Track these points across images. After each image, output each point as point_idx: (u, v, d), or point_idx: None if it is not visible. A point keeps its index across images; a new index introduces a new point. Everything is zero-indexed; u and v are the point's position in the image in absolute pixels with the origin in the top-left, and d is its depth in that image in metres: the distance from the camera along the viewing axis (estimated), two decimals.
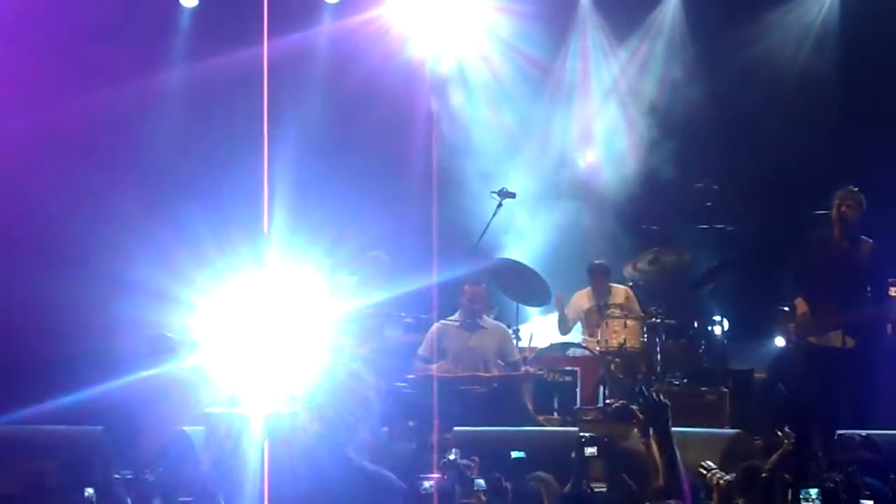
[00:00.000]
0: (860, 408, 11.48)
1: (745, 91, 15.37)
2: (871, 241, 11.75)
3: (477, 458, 8.99)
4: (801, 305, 11.69)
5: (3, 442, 10.86)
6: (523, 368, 12.54)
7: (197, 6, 15.70)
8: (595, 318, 13.62)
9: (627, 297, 13.84)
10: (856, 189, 11.71)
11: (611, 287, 13.98)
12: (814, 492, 7.60)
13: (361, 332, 13.16)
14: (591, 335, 13.60)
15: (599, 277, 14.02)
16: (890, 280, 12.03)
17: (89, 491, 8.88)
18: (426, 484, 8.39)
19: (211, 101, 15.16)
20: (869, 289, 11.68)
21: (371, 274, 12.98)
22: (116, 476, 10.26)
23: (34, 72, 14.40)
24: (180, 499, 9.10)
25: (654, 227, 14.03)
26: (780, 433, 8.71)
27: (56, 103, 14.27)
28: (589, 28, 16.18)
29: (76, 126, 14.52)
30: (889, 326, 12.03)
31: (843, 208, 11.63)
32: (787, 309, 11.87)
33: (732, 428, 11.59)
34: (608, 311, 13.42)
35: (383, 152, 15.60)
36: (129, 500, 9.05)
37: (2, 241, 14.10)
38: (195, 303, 12.57)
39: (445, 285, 12.39)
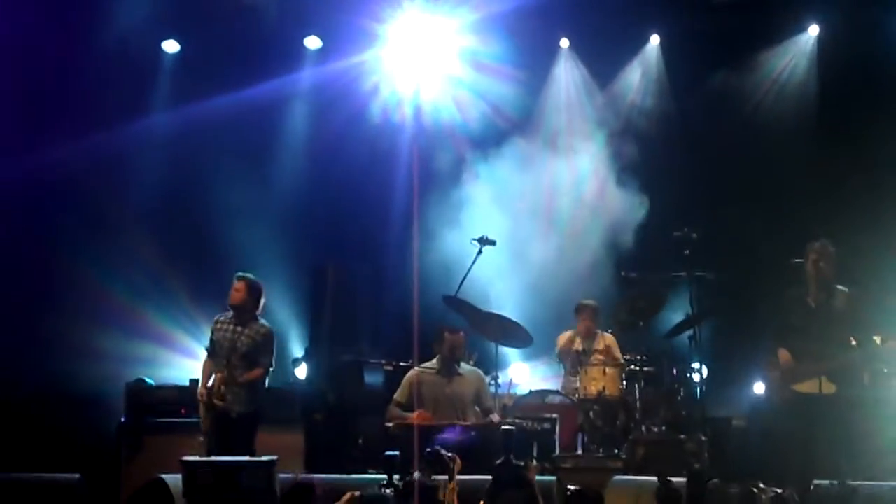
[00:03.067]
0: (839, 456, 11.48)
1: (725, 139, 15.49)
2: (846, 290, 11.78)
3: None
4: (784, 354, 11.71)
5: None
6: (493, 416, 12.48)
7: (179, 52, 15.75)
8: (578, 362, 13.51)
9: (613, 345, 13.79)
10: (826, 241, 11.75)
11: (597, 333, 13.93)
12: None
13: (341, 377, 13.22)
14: (571, 381, 13.54)
15: (587, 317, 13.94)
16: (872, 327, 12.06)
17: None
18: None
19: (193, 144, 15.20)
20: (852, 339, 11.72)
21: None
22: None
23: (17, 119, 14.46)
24: None
25: (632, 275, 14.05)
26: (755, 488, 8.74)
27: (39, 151, 14.33)
28: (569, 76, 16.28)
29: (59, 173, 14.58)
30: (866, 375, 12.05)
31: (818, 263, 11.68)
32: (767, 356, 11.90)
33: (710, 476, 11.56)
34: (591, 359, 13.38)
35: (363, 195, 15.64)
36: None
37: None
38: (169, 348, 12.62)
39: (422, 331, 12.39)
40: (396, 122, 15.66)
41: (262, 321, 12.07)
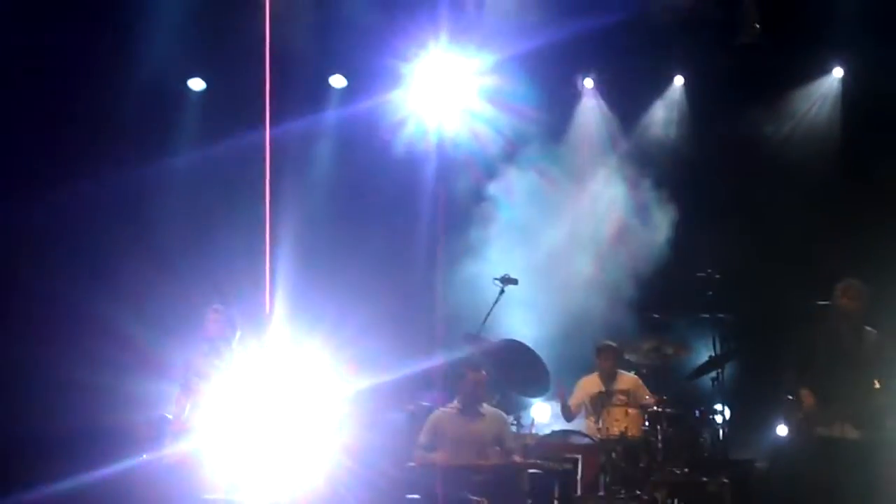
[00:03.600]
0: (863, 501, 11.44)
1: (749, 179, 15.49)
2: (874, 331, 11.76)
3: None
4: (808, 397, 11.67)
5: None
6: (515, 457, 12.45)
7: (205, 89, 15.86)
8: (600, 403, 13.49)
9: (636, 385, 13.77)
10: (856, 281, 11.74)
11: (618, 373, 13.93)
12: None
13: (363, 416, 13.18)
14: (594, 422, 13.52)
15: (608, 358, 13.94)
16: None
17: None
18: None
19: (218, 183, 15.27)
20: (877, 381, 11.68)
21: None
22: None
23: (42, 158, 14.55)
24: None
25: (655, 316, 14.05)
26: None
27: (65, 187, 14.40)
28: (592, 115, 16.33)
29: (85, 209, 14.64)
30: (891, 419, 11.99)
31: (844, 301, 11.67)
32: (791, 398, 11.85)
33: None
34: (613, 399, 13.35)
35: (388, 234, 15.69)
36: None
37: (6, 318, 14.16)
38: (197, 385, 12.60)
39: (444, 371, 12.38)
40: (420, 161, 15.70)
41: None
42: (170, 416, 12.49)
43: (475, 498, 9.27)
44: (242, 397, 11.95)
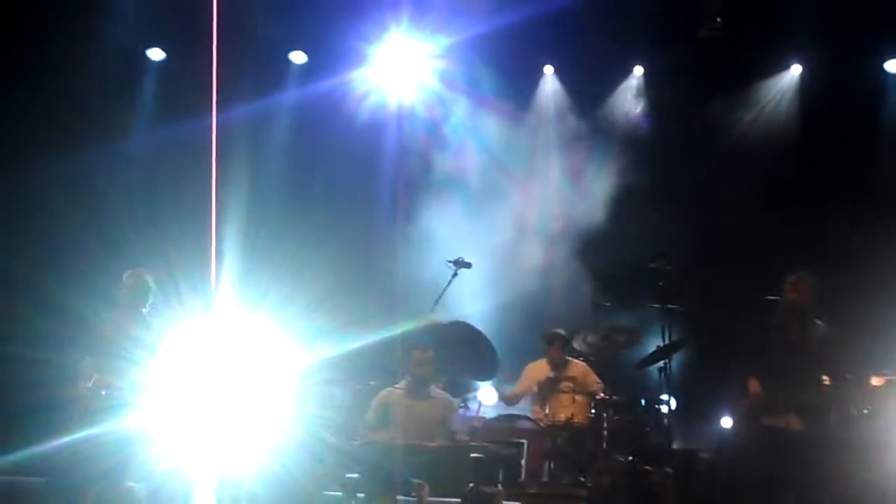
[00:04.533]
0: (805, 492, 11.54)
1: (705, 171, 15.57)
2: (824, 324, 11.87)
3: None
4: (755, 385, 11.73)
5: None
6: (458, 437, 12.46)
7: (164, 59, 15.81)
8: (547, 389, 13.55)
9: (584, 373, 13.81)
10: (807, 275, 11.84)
11: (567, 361, 13.97)
12: None
13: (310, 391, 13.18)
14: (541, 407, 13.57)
15: (556, 346, 13.95)
16: (846, 365, 12.12)
17: None
18: None
19: (170, 159, 15.21)
20: (825, 377, 11.78)
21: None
22: None
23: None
24: None
25: (606, 304, 14.11)
26: None
27: (16, 163, 14.34)
28: (551, 101, 16.38)
29: (36, 185, 14.57)
30: (835, 415, 12.11)
31: (794, 295, 11.76)
32: (738, 388, 11.94)
33: None
34: (560, 386, 13.40)
35: (342, 212, 15.68)
36: None
37: None
38: (143, 360, 12.55)
39: (392, 348, 12.39)
40: (375, 141, 15.71)
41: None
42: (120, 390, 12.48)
43: (416, 481, 9.29)
44: (190, 371, 11.93)
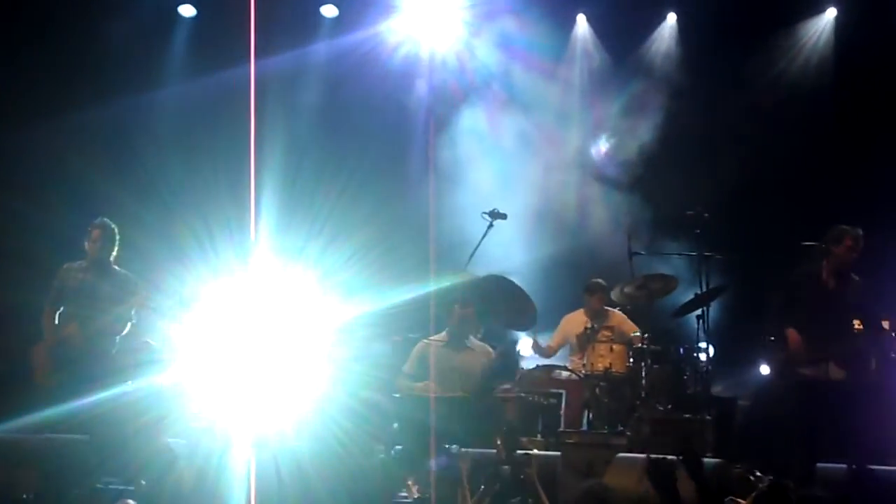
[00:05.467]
0: (845, 441, 11.49)
1: (740, 118, 15.44)
2: (857, 277, 11.78)
3: None
4: (793, 335, 11.66)
5: None
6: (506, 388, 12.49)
7: (196, 16, 15.78)
8: (585, 339, 13.53)
9: (622, 321, 13.80)
10: (850, 229, 11.71)
11: (606, 310, 13.94)
12: None
13: (351, 345, 13.20)
14: (579, 357, 13.56)
15: (597, 296, 13.94)
16: (881, 314, 12.02)
17: None
18: None
19: (203, 112, 15.21)
20: (858, 323, 11.67)
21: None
22: (100, 486, 10.32)
23: (27, 87, 14.50)
24: None
25: (642, 253, 14.04)
26: (752, 476, 8.75)
27: (49, 115, 14.35)
28: (584, 51, 16.28)
29: (71, 137, 14.59)
30: (874, 360, 12.02)
31: (843, 250, 11.61)
32: (773, 339, 11.87)
33: (714, 456, 11.59)
34: (598, 335, 13.38)
35: (379, 165, 15.65)
36: None
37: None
38: (182, 314, 12.57)
39: (430, 302, 12.36)
40: (409, 93, 15.67)
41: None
42: (155, 345, 12.51)
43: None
44: (229, 324, 11.95)
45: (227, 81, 14.21)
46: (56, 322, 11.82)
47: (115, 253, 12.02)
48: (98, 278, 11.89)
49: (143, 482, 10.50)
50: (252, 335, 11.48)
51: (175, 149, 15.31)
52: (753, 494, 8.52)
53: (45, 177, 14.60)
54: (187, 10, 15.90)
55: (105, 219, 12.04)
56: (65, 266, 12.03)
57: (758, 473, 9.13)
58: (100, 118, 14.77)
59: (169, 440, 11.11)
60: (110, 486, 10.54)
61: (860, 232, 11.65)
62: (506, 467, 9.91)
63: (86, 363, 11.58)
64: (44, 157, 14.62)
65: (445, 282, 12.82)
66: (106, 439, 10.92)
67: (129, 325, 11.98)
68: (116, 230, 12.01)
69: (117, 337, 11.89)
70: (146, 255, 13.61)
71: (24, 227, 13.84)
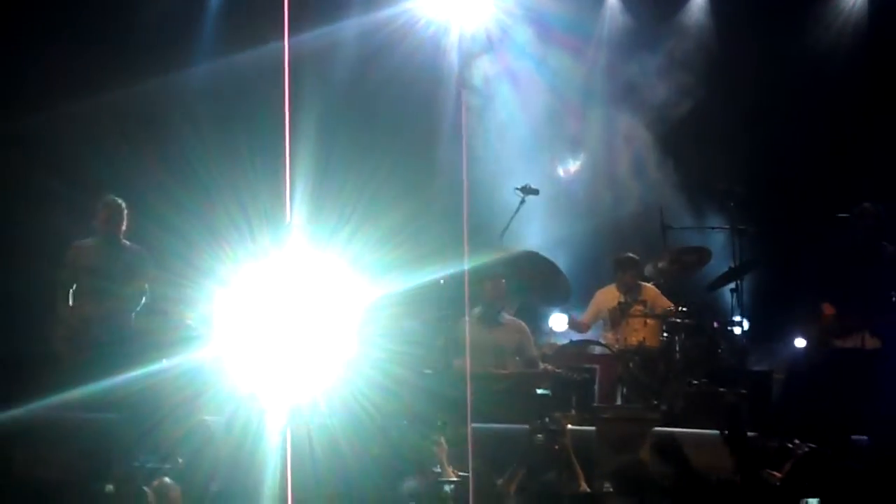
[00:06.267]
0: (882, 411, 11.45)
1: (770, 90, 15.37)
2: (892, 245, 11.74)
3: None
4: (828, 308, 11.65)
5: (28, 428, 10.90)
6: (542, 366, 12.54)
7: None
8: (618, 314, 13.51)
9: (655, 296, 13.74)
10: (870, 206, 11.67)
11: (639, 285, 13.88)
12: (814, 501, 7.66)
13: (383, 322, 13.22)
14: (612, 332, 13.54)
15: (628, 271, 13.82)
16: None
17: (109, 487, 8.90)
18: (446, 488, 8.47)
19: (235, 92, 15.23)
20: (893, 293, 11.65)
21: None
22: (137, 464, 10.37)
23: (60, 69, 14.56)
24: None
25: (674, 227, 14.02)
26: (791, 444, 8.75)
27: (83, 96, 14.40)
28: (614, 23, 16.22)
29: (102, 120, 14.64)
30: None
31: (868, 221, 11.59)
32: (809, 311, 11.86)
33: (750, 430, 11.56)
34: (631, 310, 13.35)
35: (410, 143, 15.64)
36: (148, 492, 9.08)
37: (23, 222, 14.19)
38: (217, 292, 12.61)
39: (463, 279, 12.36)
40: (440, 69, 15.66)
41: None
42: (191, 323, 12.56)
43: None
44: (263, 302, 11.99)
45: (256, 60, 14.26)
46: (70, 301, 11.96)
47: (123, 228, 12.14)
48: (109, 255, 12.03)
49: (180, 460, 10.53)
50: (286, 313, 11.51)
51: (209, 129, 15.33)
52: (791, 462, 8.49)
53: (81, 157, 14.65)
54: None
55: (112, 195, 12.17)
56: (75, 244, 12.19)
57: (796, 441, 9.10)
58: (133, 98, 14.81)
59: (205, 417, 11.16)
60: (147, 465, 10.57)
61: (868, 207, 11.62)
62: (539, 436, 9.88)
63: (104, 340, 11.72)
64: (80, 137, 14.67)
65: (479, 258, 12.84)
66: (142, 417, 10.98)
67: (143, 299, 12.11)
68: (124, 206, 12.15)
69: (132, 312, 12.04)
70: (184, 236, 13.69)
71: (60, 208, 13.89)
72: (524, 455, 9.58)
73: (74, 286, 12.07)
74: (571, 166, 16.03)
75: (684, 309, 13.13)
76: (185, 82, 15.45)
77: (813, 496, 7.73)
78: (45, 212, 14.10)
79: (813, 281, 11.90)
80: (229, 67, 15.20)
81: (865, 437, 11.01)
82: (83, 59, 14.77)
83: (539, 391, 10.78)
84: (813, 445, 9.49)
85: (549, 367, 12.53)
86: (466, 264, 11.55)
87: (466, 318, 12.48)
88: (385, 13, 15.48)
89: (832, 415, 11.36)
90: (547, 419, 10.40)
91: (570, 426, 11.49)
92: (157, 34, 15.19)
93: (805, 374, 12.49)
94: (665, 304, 13.56)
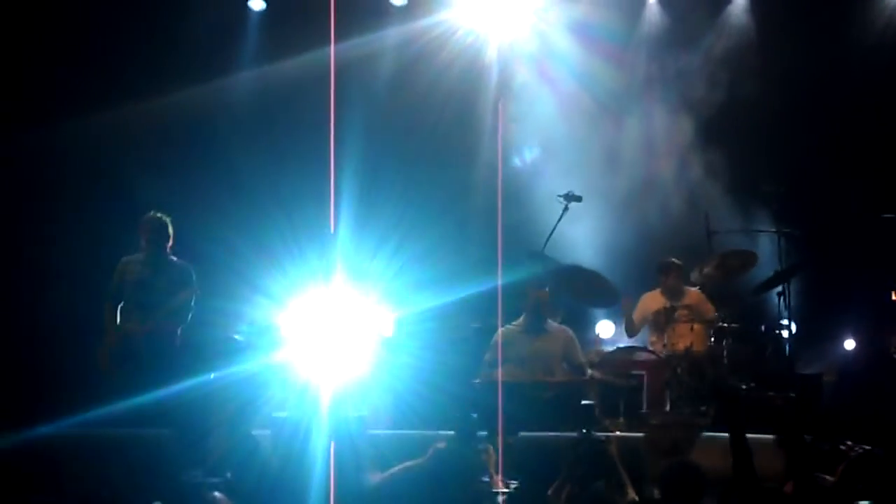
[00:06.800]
0: None
1: (815, 90, 15.26)
2: None
3: None
4: None
5: (76, 444, 10.94)
6: (589, 373, 12.50)
7: (265, 9, 15.86)
8: (664, 319, 13.47)
9: (700, 299, 13.69)
10: None
11: (684, 289, 13.83)
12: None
13: (426, 334, 13.23)
14: (658, 338, 13.48)
15: (672, 275, 13.80)
16: None
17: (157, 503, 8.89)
18: (498, 499, 8.44)
19: (279, 104, 15.28)
20: None
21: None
22: (184, 479, 10.37)
23: (107, 74, 14.66)
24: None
25: (719, 231, 13.94)
26: (843, 445, 8.67)
27: (128, 108, 14.48)
28: (654, 27, 16.14)
29: (148, 131, 14.72)
30: None
31: None
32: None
33: (802, 433, 11.46)
34: (677, 314, 13.29)
35: (449, 153, 15.64)
36: None
37: (73, 235, 14.28)
38: (264, 304, 12.67)
39: (509, 289, 12.34)
40: (480, 79, 15.65)
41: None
42: (238, 337, 12.59)
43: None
44: (310, 314, 12.03)
45: (299, 72, 14.31)
46: (118, 316, 12.04)
47: (170, 244, 12.21)
48: (156, 271, 12.14)
49: (228, 474, 10.54)
50: (332, 326, 11.55)
51: (254, 138, 15.39)
52: (845, 463, 8.40)
53: (126, 168, 14.73)
54: (257, 4, 15.96)
55: (156, 212, 12.27)
56: (123, 260, 12.30)
57: (849, 443, 9.02)
58: (179, 107, 14.87)
59: (252, 431, 11.17)
60: (195, 480, 10.59)
61: None
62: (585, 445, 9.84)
63: (150, 354, 11.81)
64: (124, 147, 14.75)
65: (523, 269, 12.81)
66: (189, 431, 11.01)
67: (190, 313, 12.17)
68: (168, 222, 12.24)
69: (179, 326, 12.12)
70: (231, 248, 13.75)
71: (108, 222, 13.97)
72: (572, 465, 9.51)
73: (122, 302, 12.17)
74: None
75: (731, 313, 13.07)
76: (229, 91, 15.51)
77: (866, 499, 7.64)
78: (93, 225, 14.20)
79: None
80: (274, 75, 15.26)
81: None
82: (128, 66, 14.87)
83: (584, 402, 10.68)
84: (867, 447, 9.37)
85: (597, 373, 12.50)
86: (500, 274, 11.58)
87: (499, 328, 12.48)
88: (424, 22, 15.49)
89: (885, 416, 11.30)
90: (593, 429, 10.37)
91: (618, 433, 11.49)
92: (202, 42, 15.27)
93: (857, 374, 12.43)
94: (710, 308, 13.49)
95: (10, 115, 14.52)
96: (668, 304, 13.55)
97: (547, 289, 12.73)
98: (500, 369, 12.20)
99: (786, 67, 15.38)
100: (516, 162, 14.93)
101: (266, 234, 14.28)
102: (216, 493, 9.33)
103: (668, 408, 12.78)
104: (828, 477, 8.75)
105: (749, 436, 9.23)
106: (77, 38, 14.88)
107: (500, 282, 11.86)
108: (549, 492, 8.99)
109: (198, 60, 15.23)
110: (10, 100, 14.62)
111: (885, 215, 11.87)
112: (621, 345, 13.68)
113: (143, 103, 14.67)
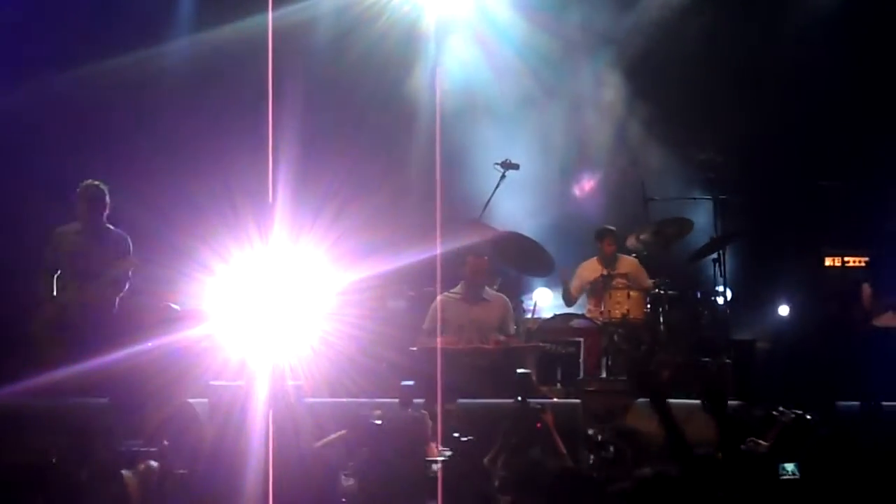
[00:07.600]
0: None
1: (750, 54, 15.27)
2: None
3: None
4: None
5: (8, 413, 10.87)
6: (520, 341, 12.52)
7: None
8: (601, 287, 13.54)
9: (635, 268, 13.80)
10: None
11: (619, 256, 13.93)
12: (790, 466, 7.66)
13: (364, 303, 13.22)
14: (595, 305, 13.56)
15: (608, 242, 13.94)
16: None
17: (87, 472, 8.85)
18: (433, 467, 8.46)
19: (216, 72, 15.16)
20: None
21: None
22: (122, 448, 10.34)
23: (38, 45, 14.50)
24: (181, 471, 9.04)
25: (655, 199, 14.02)
26: (776, 411, 8.76)
27: (60, 76, 14.34)
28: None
29: (83, 99, 14.58)
30: None
31: None
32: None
33: (734, 399, 11.58)
34: (613, 282, 13.38)
35: (387, 121, 15.58)
36: (128, 476, 9.04)
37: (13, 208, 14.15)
38: (200, 275, 12.61)
39: (447, 257, 12.37)
40: (418, 46, 15.60)
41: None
42: (174, 306, 12.54)
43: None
44: (246, 283, 11.99)
45: (238, 38, 14.21)
46: (54, 286, 11.97)
47: (106, 212, 12.13)
48: (92, 240, 12.05)
49: (166, 442, 10.52)
50: (269, 295, 11.52)
51: (193, 109, 15.26)
52: (776, 429, 8.51)
53: (64, 136, 14.59)
54: None
55: (93, 181, 12.16)
56: (57, 230, 12.21)
57: (781, 409, 9.12)
58: (114, 74, 14.73)
59: (189, 400, 11.15)
60: (133, 449, 10.56)
61: None
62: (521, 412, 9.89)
63: (87, 323, 11.74)
64: (61, 115, 14.60)
65: (460, 236, 12.84)
66: (126, 400, 10.97)
67: (127, 283, 12.11)
68: (105, 190, 12.13)
69: (116, 296, 12.06)
70: (167, 218, 13.65)
71: (43, 191, 13.85)
72: (507, 432, 9.56)
73: (58, 271, 12.09)
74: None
75: (667, 280, 13.17)
76: (166, 58, 15.36)
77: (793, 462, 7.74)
78: (27, 195, 14.06)
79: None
80: (211, 42, 15.12)
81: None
82: (61, 32, 14.71)
83: (520, 370, 10.73)
84: (799, 412, 9.48)
85: (534, 341, 12.56)
86: (439, 242, 11.61)
87: (438, 295, 12.52)
88: None
89: (818, 382, 11.41)
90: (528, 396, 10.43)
91: (555, 399, 11.55)
92: (138, 8, 15.10)
93: (792, 342, 12.56)
94: (645, 276, 13.60)
95: None
96: (605, 272, 13.63)
97: (486, 257, 12.76)
98: (438, 337, 12.24)
99: (722, 32, 15.38)
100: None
101: (204, 202, 14.18)
102: (152, 462, 9.33)
103: (604, 374, 12.88)
104: (761, 442, 8.85)
105: (684, 401, 9.35)
106: (10, 7, 14.70)
107: (438, 250, 11.90)
108: (485, 460, 9.03)
109: (133, 26, 15.06)
110: None
111: (821, 182, 11.95)
112: (559, 312, 13.74)
113: (76, 70, 14.51)
